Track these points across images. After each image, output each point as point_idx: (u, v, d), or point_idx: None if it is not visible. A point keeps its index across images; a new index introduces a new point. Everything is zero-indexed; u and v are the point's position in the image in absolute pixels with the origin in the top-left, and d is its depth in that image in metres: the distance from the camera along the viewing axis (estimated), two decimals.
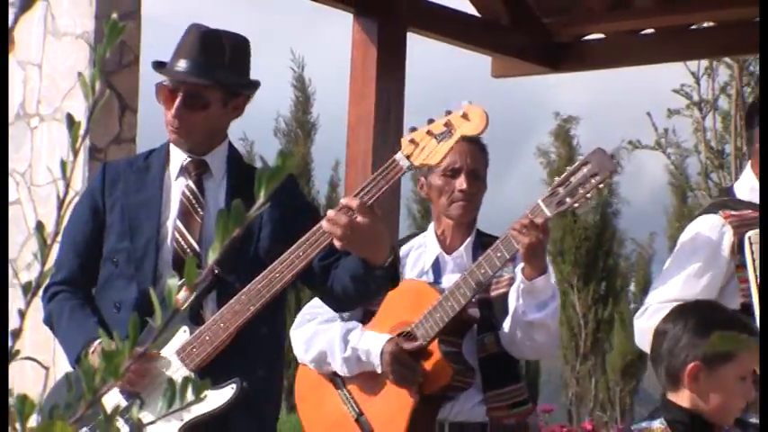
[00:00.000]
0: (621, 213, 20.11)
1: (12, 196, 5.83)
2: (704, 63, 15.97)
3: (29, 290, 1.37)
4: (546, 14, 7.06)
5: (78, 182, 5.52)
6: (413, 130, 3.30)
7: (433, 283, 3.88)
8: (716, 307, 3.35)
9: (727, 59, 15.40)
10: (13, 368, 1.38)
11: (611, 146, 19.85)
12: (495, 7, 6.93)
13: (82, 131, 1.37)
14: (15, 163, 5.82)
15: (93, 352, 3.27)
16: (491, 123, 3.26)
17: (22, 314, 1.36)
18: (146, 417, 3.26)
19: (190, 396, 1.37)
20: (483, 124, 3.25)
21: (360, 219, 3.20)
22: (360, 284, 3.32)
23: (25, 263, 5.64)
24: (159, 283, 3.28)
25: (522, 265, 3.75)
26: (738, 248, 3.67)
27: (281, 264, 3.30)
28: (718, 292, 3.70)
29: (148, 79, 3.56)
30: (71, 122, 1.38)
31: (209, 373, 3.22)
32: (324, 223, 3.24)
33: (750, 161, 3.90)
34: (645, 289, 20.09)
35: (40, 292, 3.12)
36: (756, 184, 3.80)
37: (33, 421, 1.30)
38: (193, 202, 3.44)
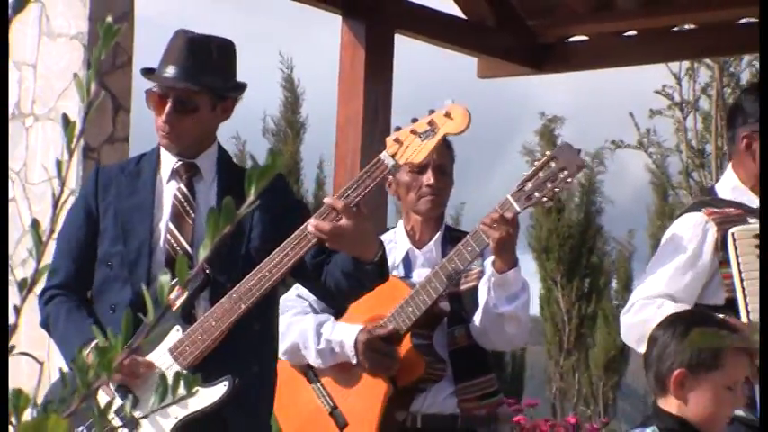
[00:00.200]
0: (605, 211, 20.21)
1: None
2: (685, 64, 16.08)
3: (24, 286, 1.38)
4: (530, 16, 7.08)
5: (73, 180, 5.57)
6: (398, 129, 3.36)
7: (403, 278, 3.92)
8: (707, 316, 3.37)
9: (707, 61, 15.52)
10: (9, 363, 1.40)
11: (595, 145, 19.98)
12: (480, 9, 6.96)
13: (77, 131, 1.39)
14: (11, 162, 5.82)
15: (89, 353, 3.25)
16: (478, 123, 3.34)
17: (17, 310, 1.38)
18: (140, 415, 3.30)
19: (182, 391, 1.39)
20: (465, 122, 3.31)
21: (344, 221, 3.25)
22: (352, 280, 3.37)
23: (20, 259, 5.68)
24: (153, 284, 3.29)
25: (491, 258, 3.80)
26: (722, 245, 3.71)
27: (271, 262, 3.33)
28: (703, 288, 3.75)
29: (141, 80, 3.62)
30: (66, 122, 1.39)
31: (202, 371, 3.24)
32: (309, 228, 3.29)
33: (731, 162, 3.94)
34: (626, 285, 20.20)
35: (37, 290, 3.20)
36: (738, 183, 3.84)
37: (28, 415, 1.31)
38: (185, 204, 3.48)
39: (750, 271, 3.64)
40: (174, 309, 3.37)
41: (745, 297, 3.64)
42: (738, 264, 3.66)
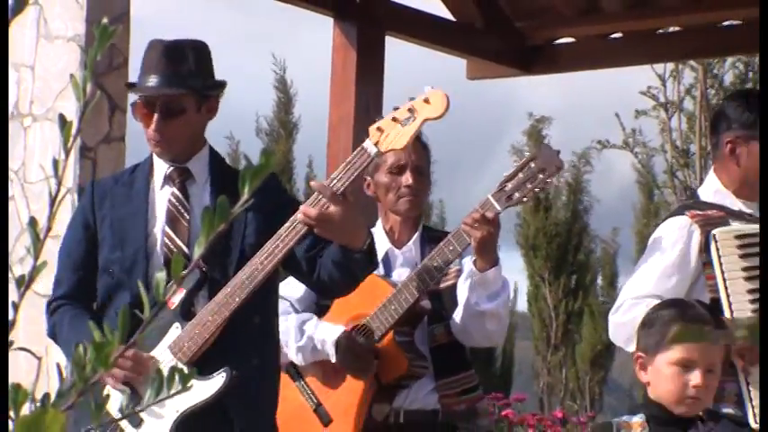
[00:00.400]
0: (592, 210, 20.28)
1: None
2: (670, 66, 16.15)
3: (22, 283, 1.38)
4: (519, 19, 7.14)
5: (69, 179, 5.61)
6: (379, 119, 3.41)
7: (384, 277, 3.97)
8: (688, 305, 3.38)
9: (692, 63, 15.62)
10: (8, 358, 1.40)
11: (582, 145, 20.07)
12: (469, 12, 7.01)
13: (74, 131, 1.39)
14: (9, 161, 5.93)
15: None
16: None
17: (15, 306, 1.38)
18: (138, 409, 3.40)
19: (177, 386, 1.41)
20: (444, 106, 3.35)
21: (332, 208, 3.32)
22: (343, 270, 3.42)
23: (18, 257, 5.73)
24: (152, 288, 3.38)
25: (470, 257, 3.85)
26: (705, 246, 3.76)
27: (263, 254, 3.40)
28: (689, 288, 3.79)
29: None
30: (63, 122, 1.40)
31: (203, 365, 3.35)
32: (298, 215, 3.36)
33: (714, 166, 4.00)
34: (612, 282, 20.32)
35: (34, 286, 3.28)
36: (720, 186, 3.90)
37: (26, 410, 1.32)
38: (179, 207, 3.55)
39: (732, 271, 3.69)
40: (172, 307, 3.45)
41: (728, 297, 3.68)
42: (721, 264, 3.71)
